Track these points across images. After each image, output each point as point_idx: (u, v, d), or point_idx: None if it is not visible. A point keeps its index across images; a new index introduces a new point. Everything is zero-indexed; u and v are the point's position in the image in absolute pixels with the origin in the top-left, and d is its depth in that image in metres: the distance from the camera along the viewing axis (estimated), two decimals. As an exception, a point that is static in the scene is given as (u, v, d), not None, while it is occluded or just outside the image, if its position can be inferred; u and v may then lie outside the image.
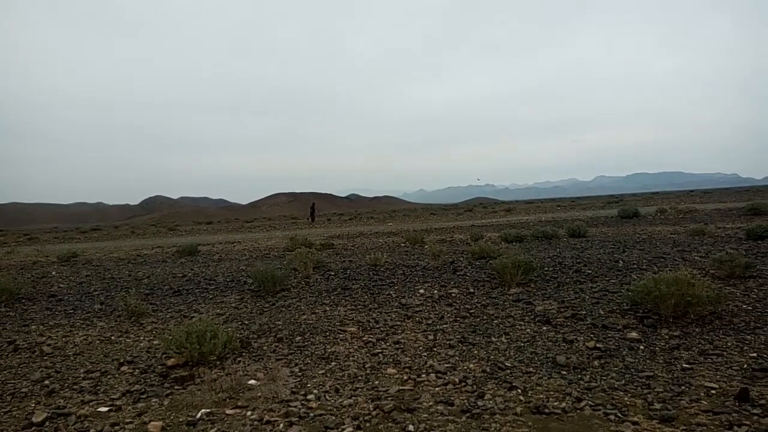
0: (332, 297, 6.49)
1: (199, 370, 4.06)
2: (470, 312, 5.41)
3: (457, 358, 4.13)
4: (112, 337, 5.35)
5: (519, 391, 3.41)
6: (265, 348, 4.66)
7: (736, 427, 2.76)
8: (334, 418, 3.12)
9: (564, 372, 3.70)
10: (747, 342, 4.03)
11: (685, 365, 3.68)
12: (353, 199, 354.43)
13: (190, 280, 8.47)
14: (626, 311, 4.93)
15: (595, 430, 2.84)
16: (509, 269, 6.28)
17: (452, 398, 3.33)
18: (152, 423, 3.17)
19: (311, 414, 3.18)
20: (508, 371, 3.77)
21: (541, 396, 3.31)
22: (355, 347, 4.56)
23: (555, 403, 3.18)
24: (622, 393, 3.30)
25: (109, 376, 4.15)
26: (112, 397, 3.69)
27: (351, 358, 4.27)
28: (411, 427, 2.95)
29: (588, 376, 3.60)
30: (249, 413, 3.25)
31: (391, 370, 3.94)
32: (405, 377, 3.78)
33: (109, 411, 3.44)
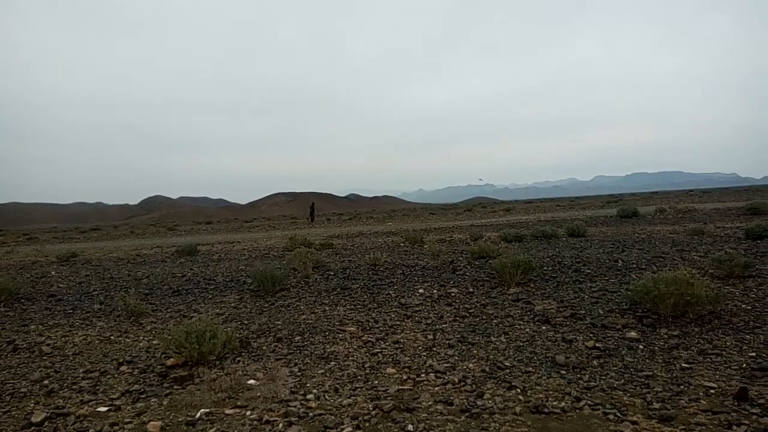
0: (332, 297, 6.49)
1: (199, 369, 4.06)
2: (469, 312, 5.41)
3: (456, 357, 4.13)
4: (112, 337, 5.35)
5: (518, 390, 3.41)
6: (264, 348, 4.66)
7: (735, 427, 2.76)
8: (333, 417, 3.12)
9: (563, 371, 3.70)
10: (746, 341, 4.03)
11: (684, 365, 3.69)
12: (353, 199, 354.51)
13: (189, 279, 8.47)
14: (625, 311, 4.93)
15: (594, 430, 2.84)
16: (508, 269, 6.28)
17: (451, 398, 3.33)
18: (151, 423, 3.17)
19: (310, 414, 3.18)
20: (508, 371, 3.77)
21: (541, 395, 3.31)
22: (355, 347, 4.56)
23: (554, 403, 3.18)
24: (621, 392, 3.30)
25: (108, 376, 4.15)
26: (111, 396, 3.69)
27: (350, 358, 4.27)
28: (410, 427, 2.95)
29: (587, 376, 3.60)
30: (248, 413, 3.25)
31: (390, 370, 3.94)
32: (404, 377, 3.79)
33: (109, 411, 3.44)
